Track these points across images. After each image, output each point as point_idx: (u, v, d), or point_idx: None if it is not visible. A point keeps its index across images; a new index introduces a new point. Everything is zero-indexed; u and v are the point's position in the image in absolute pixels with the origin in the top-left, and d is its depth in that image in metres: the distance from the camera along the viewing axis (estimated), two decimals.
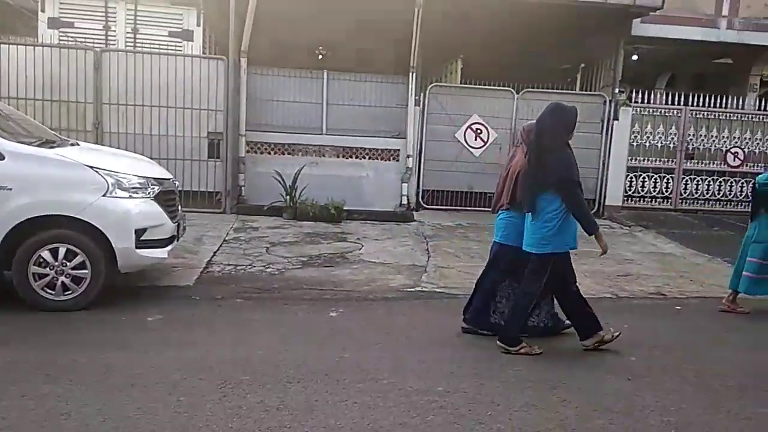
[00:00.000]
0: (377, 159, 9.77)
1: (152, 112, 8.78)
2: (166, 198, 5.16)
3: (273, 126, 9.57)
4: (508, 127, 10.03)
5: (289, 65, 9.73)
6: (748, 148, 10.49)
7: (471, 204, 10.09)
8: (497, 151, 10.05)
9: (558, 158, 4.12)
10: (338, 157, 9.68)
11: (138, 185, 4.88)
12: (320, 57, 12.25)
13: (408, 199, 9.76)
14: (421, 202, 10.04)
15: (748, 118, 10.50)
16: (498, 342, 4.25)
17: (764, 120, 10.49)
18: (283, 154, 9.55)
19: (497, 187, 4.68)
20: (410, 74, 9.52)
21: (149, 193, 4.93)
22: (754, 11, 10.63)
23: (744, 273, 5.58)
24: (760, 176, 5.77)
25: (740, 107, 10.52)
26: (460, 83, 10.49)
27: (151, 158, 6.56)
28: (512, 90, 10.00)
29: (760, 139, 10.49)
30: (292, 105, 9.66)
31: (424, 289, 5.86)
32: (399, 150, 9.75)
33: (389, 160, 9.79)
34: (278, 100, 9.63)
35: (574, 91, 10.56)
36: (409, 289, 5.82)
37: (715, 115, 10.42)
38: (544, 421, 3.22)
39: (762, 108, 10.58)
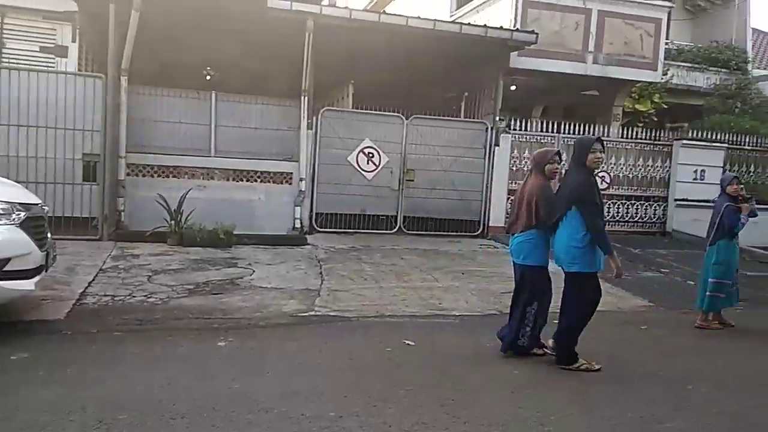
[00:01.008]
0: (269, 182, 9.63)
1: (20, 132, 8.08)
2: (34, 224, 4.73)
3: (157, 148, 9.14)
4: (399, 152, 10.30)
5: (176, 85, 9.39)
6: (614, 172, 11.51)
7: (364, 227, 10.21)
8: (389, 174, 10.28)
9: (574, 179, 4.49)
10: (228, 180, 9.43)
11: (1, 211, 4.45)
12: (208, 78, 11.95)
13: (301, 223, 9.68)
14: (315, 226, 10.00)
15: (612, 145, 11.53)
16: (558, 364, 4.55)
17: (626, 147, 11.59)
18: (168, 177, 9.14)
19: (513, 211, 4.88)
20: (302, 98, 9.52)
21: (14, 219, 4.51)
22: (615, 48, 11.78)
23: (707, 293, 6.16)
24: (727, 207, 6.30)
25: (606, 135, 11.54)
26: (352, 108, 10.65)
27: (19, 182, 6.01)
28: (402, 116, 10.30)
29: (624, 164, 11.56)
30: (178, 126, 9.30)
31: (317, 314, 5.80)
32: (292, 173, 9.68)
33: (282, 183, 9.69)
34: (163, 121, 9.24)
35: (458, 119, 11.07)
36: (302, 314, 5.74)
37: None
38: None
39: (624, 136, 11.69)
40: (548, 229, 4.62)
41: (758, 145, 12.04)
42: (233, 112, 9.54)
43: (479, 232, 10.63)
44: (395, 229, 10.38)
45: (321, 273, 7.39)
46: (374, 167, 10.23)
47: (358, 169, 10.18)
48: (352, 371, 4.31)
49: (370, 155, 10.20)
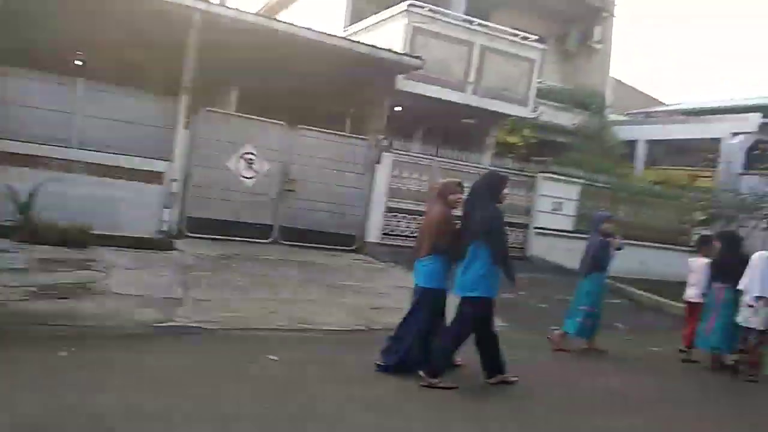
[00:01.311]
0: (137, 180, 9.02)
1: None
2: None
3: (10, 133, 8.25)
4: (282, 160, 10.15)
5: (43, 68, 8.56)
6: None
7: (239, 234, 9.91)
8: (269, 182, 10.09)
9: (486, 214, 4.79)
10: (91, 174, 8.71)
11: None
12: (79, 63, 11.03)
13: (170, 226, 9.19)
14: (185, 230, 9.54)
15: (483, 172, 12.21)
16: (421, 373, 4.68)
17: None
18: (19, 166, 8.27)
19: (418, 237, 5.16)
20: (182, 95, 9.09)
21: None
22: (493, 82, 12.52)
23: (578, 320, 6.59)
24: (601, 242, 6.70)
25: (479, 162, 12.21)
26: (236, 111, 10.35)
27: None
28: (287, 125, 10.18)
29: None
30: (35, 112, 8.47)
31: (177, 324, 5.53)
32: (163, 173, 9.16)
33: (151, 183, 9.12)
34: (18, 105, 8.37)
35: (344, 133, 11.15)
36: (160, 324, 5.43)
37: (459, 168, 11.90)
38: None
39: (494, 165, 12.42)
40: (449, 256, 4.86)
41: (608, 183, 13.33)
42: (103, 103, 8.88)
43: (355, 247, 10.73)
44: (271, 239, 10.19)
45: (186, 281, 7.06)
46: (254, 174, 10.00)
47: (237, 174, 9.89)
48: (207, 388, 4.14)
49: (251, 161, 9.95)
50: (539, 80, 14.41)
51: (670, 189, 13.93)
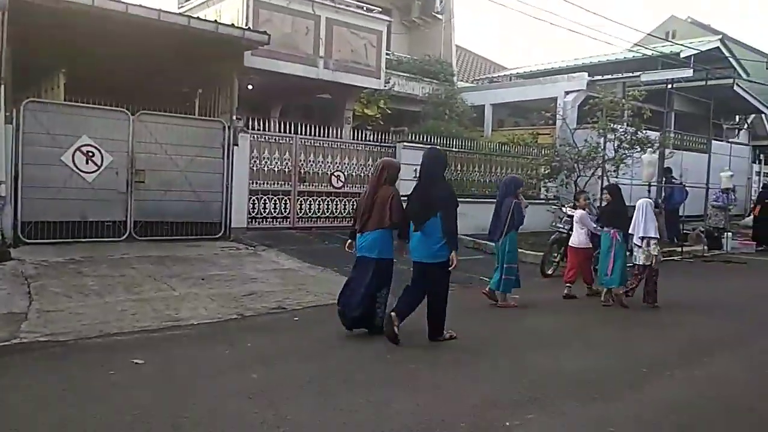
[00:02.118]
0: None
1: None
2: None
3: None
4: (125, 150, 9.37)
5: None
6: (347, 171, 12.23)
7: (87, 235, 9.05)
8: (114, 175, 9.29)
9: (442, 189, 5.44)
10: None
11: None
12: None
13: (2, 234, 8.15)
14: (21, 237, 8.52)
15: (345, 146, 12.24)
16: (431, 339, 5.38)
17: (357, 148, 12.40)
18: None
19: (363, 212, 5.51)
20: None
21: None
22: (343, 55, 12.50)
23: (503, 277, 7.04)
24: (516, 204, 7.16)
25: (339, 137, 12.21)
26: (65, 100, 9.34)
27: None
28: (127, 111, 9.39)
29: (356, 164, 12.35)
30: None
31: (23, 341, 4.93)
32: None
33: None
34: None
35: (193, 116, 10.53)
36: (2, 344, 4.80)
37: (320, 143, 11.82)
38: None
39: (355, 138, 12.51)
40: (396, 229, 5.48)
41: (463, 147, 14.00)
42: None
43: (221, 234, 10.27)
44: (125, 236, 9.42)
45: (29, 292, 6.31)
46: (95, 168, 9.13)
47: (75, 170, 8.98)
48: (64, 405, 3.74)
49: (90, 154, 9.07)
50: (388, 52, 14.66)
51: (516, 148, 14.95)
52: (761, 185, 17.26)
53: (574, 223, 8.16)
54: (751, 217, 14.61)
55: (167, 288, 6.93)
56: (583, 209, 8.23)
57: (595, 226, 7.97)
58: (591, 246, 8.06)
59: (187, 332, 5.51)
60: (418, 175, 5.73)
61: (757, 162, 22.21)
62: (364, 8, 12.86)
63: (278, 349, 5.15)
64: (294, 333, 5.75)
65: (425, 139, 13.25)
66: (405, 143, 12.83)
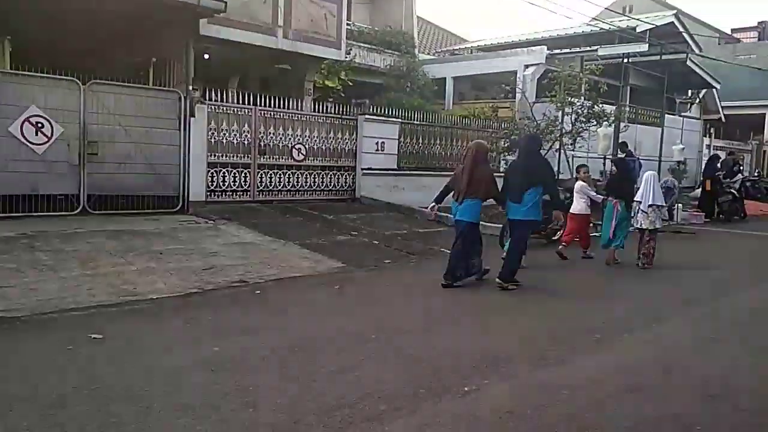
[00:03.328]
0: None
1: None
2: None
3: None
4: (77, 121, 9.04)
5: None
6: (309, 144, 12.11)
7: (38, 209, 8.75)
8: (66, 147, 8.98)
9: (541, 165, 7.09)
10: None
11: None
12: None
13: None
14: None
15: (306, 118, 12.10)
16: (498, 279, 6.67)
17: (319, 120, 12.27)
18: None
19: (461, 186, 6.75)
20: None
21: None
22: (302, 25, 12.23)
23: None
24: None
25: (300, 109, 12.04)
26: (11, 69, 8.91)
27: None
28: (78, 81, 9.04)
29: (317, 137, 12.24)
30: None
31: None
32: None
33: None
34: None
35: (146, 86, 10.19)
36: None
37: (280, 115, 11.65)
38: None
39: (316, 110, 12.37)
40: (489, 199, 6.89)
41: (424, 120, 14.02)
42: None
43: (179, 208, 10.08)
44: (78, 210, 9.15)
45: None
46: (45, 139, 8.80)
47: (24, 141, 8.63)
48: (21, 381, 3.67)
49: (39, 125, 8.72)
50: (349, 22, 14.45)
51: (477, 121, 15.06)
52: (708, 158, 17.87)
53: (575, 192, 9.05)
54: (700, 189, 15.16)
55: (124, 263, 6.80)
56: (584, 181, 9.12)
57: (595, 194, 9.06)
58: (590, 213, 9.11)
59: (146, 307, 5.45)
60: (517, 154, 7.66)
61: (707, 136, 22.97)
62: None
63: (240, 323, 5.15)
64: (256, 307, 5.75)
65: (387, 112, 13.22)
66: (367, 116, 12.78)
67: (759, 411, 3.69)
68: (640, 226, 8.35)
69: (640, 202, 8.34)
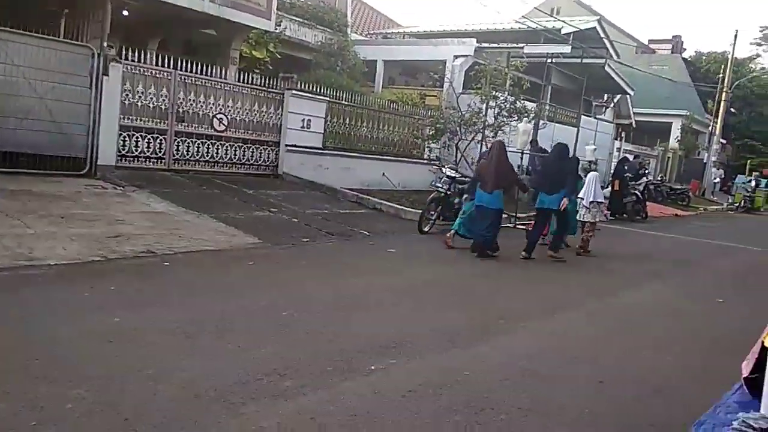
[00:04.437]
0: None
1: None
2: None
3: None
4: None
5: None
6: (231, 115, 11.72)
7: None
8: None
9: (570, 169, 9.12)
10: None
11: None
12: None
13: None
14: None
15: (230, 88, 11.68)
16: (550, 252, 8.77)
17: (243, 91, 11.88)
18: None
19: (486, 177, 8.14)
20: None
21: None
22: None
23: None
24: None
25: (223, 77, 11.60)
26: None
27: None
28: None
29: (240, 108, 11.86)
30: None
31: None
32: None
33: None
34: None
35: (57, 38, 9.45)
36: None
37: (202, 82, 11.17)
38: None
39: (241, 80, 11.96)
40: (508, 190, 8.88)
41: (353, 101, 13.93)
42: None
43: (86, 171, 9.50)
44: None
45: None
46: None
47: None
48: None
49: None
50: None
51: (404, 107, 15.14)
52: (618, 160, 18.93)
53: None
54: (609, 189, 16.06)
55: (21, 225, 6.34)
56: None
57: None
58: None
59: (43, 272, 5.13)
60: (550, 153, 9.82)
61: (618, 139, 24.33)
62: None
63: (145, 294, 4.95)
64: (163, 279, 5.54)
65: (315, 89, 13.02)
66: (294, 91, 12.53)
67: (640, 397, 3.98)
68: (583, 219, 9.46)
69: (583, 199, 9.41)
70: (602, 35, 21.05)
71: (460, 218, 8.76)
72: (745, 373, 1.77)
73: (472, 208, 8.46)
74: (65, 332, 3.88)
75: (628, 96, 24.84)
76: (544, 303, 6.25)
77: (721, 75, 29.60)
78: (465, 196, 9.02)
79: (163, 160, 10.74)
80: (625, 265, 9.38)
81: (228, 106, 11.60)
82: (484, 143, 13.08)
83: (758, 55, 44.34)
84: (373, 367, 3.82)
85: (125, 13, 10.87)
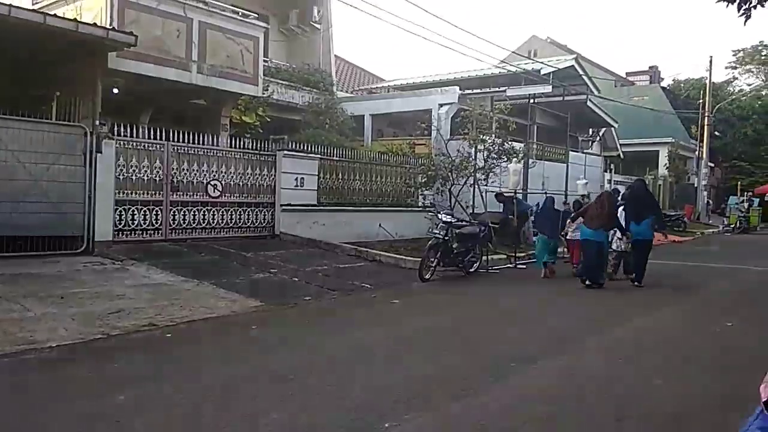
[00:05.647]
0: None
1: None
2: None
3: None
4: None
5: None
6: (225, 180, 11.84)
7: None
8: None
9: (651, 202, 10.71)
10: None
11: None
12: None
13: None
14: None
15: (222, 154, 11.84)
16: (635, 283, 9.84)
17: (235, 156, 12.05)
18: None
19: (594, 217, 9.70)
20: None
21: None
22: (218, 60, 12.05)
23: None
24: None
25: (215, 144, 11.79)
26: None
27: None
28: None
29: (233, 173, 11.99)
30: None
31: None
32: None
33: None
34: None
35: (49, 121, 9.63)
36: None
37: (195, 151, 11.34)
38: None
39: (232, 146, 12.15)
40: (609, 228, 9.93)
41: (343, 155, 14.12)
42: None
43: (83, 248, 9.49)
44: None
45: None
46: None
47: None
48: None
49: None
50: (266, 59, 14.43)
51: (395, 157, 15.35)
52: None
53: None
54: None
55: (21, 308, 6.29)
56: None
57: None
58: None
59: (44, 356, 5.04)
60: (630, 191, 10.93)
61: (607, 171, 24.60)
62: (239, 13, 12.55)
63: (147, 370, 4.86)
64: (165, 351, 5.46)
65: (306, 148, 13.21)
66: (286, 151, 12.71)
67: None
68: (620, 249, 10.38)
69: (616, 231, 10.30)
70: (580, 72, 21.62)
71: (537, 252, 11.19)
72: (764, 396, 1.74)
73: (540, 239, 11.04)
74: (66, 415, 3.79)
75: (612, 129, 25.26)
76: (547, 339, 6.16)
77: (701, 101, 30.26)
78: (536, 232, 11.57)
79: (160, 231, 10.77)
80: (636, 291, 9.43)
81: (222, 172, 11.73)
82: (476, 186, 13.20)
83: (735, 78, 45.49)
84: (387, 425, 3.73)
85: (115, 91, 11.12)
